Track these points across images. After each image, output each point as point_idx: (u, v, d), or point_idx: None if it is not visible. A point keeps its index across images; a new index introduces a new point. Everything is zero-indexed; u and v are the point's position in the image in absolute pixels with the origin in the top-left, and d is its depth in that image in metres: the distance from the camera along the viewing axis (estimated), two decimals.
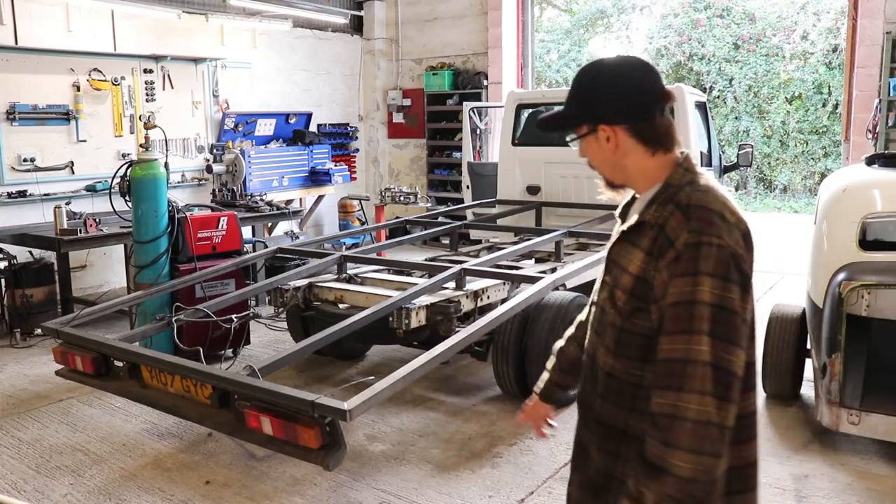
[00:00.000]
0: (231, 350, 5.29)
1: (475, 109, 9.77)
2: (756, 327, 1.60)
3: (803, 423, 4.39)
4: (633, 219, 1.66)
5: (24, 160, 7.38)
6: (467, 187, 8.91)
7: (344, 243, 9.18)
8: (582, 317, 2.02)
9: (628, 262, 1.61)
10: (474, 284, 4.73)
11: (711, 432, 1.43)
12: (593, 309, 1.79)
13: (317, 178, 9.61)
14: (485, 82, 10.55)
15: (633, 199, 1.75)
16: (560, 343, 2.07)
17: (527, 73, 10.90)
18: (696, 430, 1.43)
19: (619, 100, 1.62)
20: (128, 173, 5.50)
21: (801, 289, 4.98)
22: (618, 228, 1.74)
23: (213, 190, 8.77)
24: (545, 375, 2.09)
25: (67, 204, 6.66)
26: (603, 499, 1.71)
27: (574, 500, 1.83)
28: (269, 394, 3.01)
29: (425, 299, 4.45)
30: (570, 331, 2.06)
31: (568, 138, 1.74)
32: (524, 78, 10.84)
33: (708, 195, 1.56)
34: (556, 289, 4.59)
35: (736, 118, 16.20)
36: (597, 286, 1.80)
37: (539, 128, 1.76)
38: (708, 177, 1.65)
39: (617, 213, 1.83)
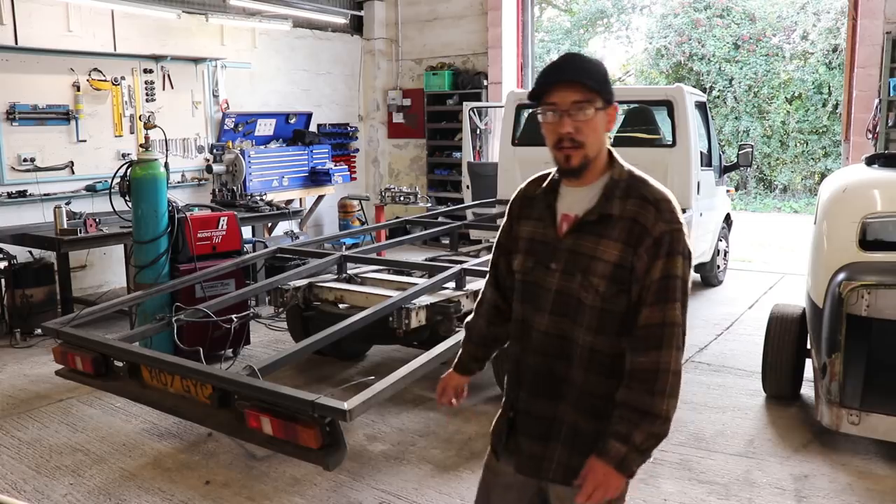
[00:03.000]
0: (231, 350, 5.29)
1: (475, 109, 9.78)
2: None
3: (803, 423, 4.39)
4: (573, 208, 1.89)
5: (24, 160, 7.37)
6: (467, 187, 8.91)
7: (344, 243, 9.18)
8: (483, 295, 2.22)
9: (601, 252, 1.82)
10: (474, 284, 4.73)
11: (679, 379, 1.80)
12: (540, 292, 1.93)
13: (317, 178, 9.61)
14: (485, 82, 10.55)
15: (549, 192, 1.95)
16: (469, 320, 2.29)
17: (527, 73, 10.90)
18: (674, 380, 1.78)
19: (609, 82, 1.87)
20: (128, 173, 5.50)
21: (801, 289, 4.98)
22: (539, 222, 1.95)
23: (213, 190, 8.77)
24: (461, 350, 2.31)
25: (67, 204, 6.66)
26: (552, 448, 1.93)
27: (523, 455, 1.98)
28: (269, 394, 3.01)
29: (425, 299, 4.45)
30: (476, 310, 2.26)
31: (536, 110, 1.90)
32: (524, 78, 10.84)
33: (660, 188, 1.86)
34: None
35: (736, 118, 16.21)
36: (520, 264, 1.97)
37: (543, 80, 1.83)
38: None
39: (511, 208, 2.06)
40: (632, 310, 1.81)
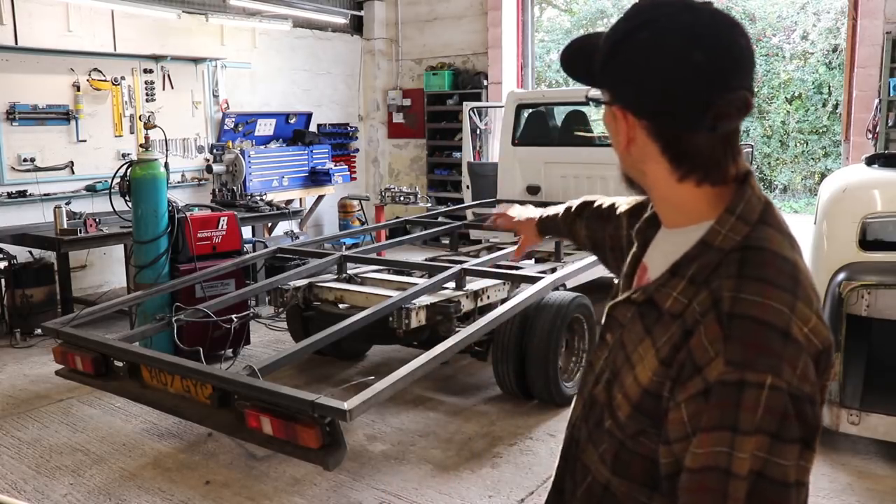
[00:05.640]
0: (231, 350, 5.29)
1: (475, 109, 9.78)
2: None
3: None
4: (653, 265, 1.16)
5: (24, 160, 7.37)
6: (467, 187, 8.91)
7: (344, 243, 9.18)
8: (596, 200, 1.66)
9: (637, 359, 1.08)
10: (474, 284, 4.73)
11: None
12: (588, 366, 1.27)
13: (317, 178, 9.61)
14: (485, 82, 10.55)
15: (652, 222, 1.23)
16: (578, 203, 1.72)
17: (527, 73, 10.90)
18: None
19: (651, 81, 1.02)
20: (128, 173, 5.50)
21: None
22: (630, 256, 1.25)
23: (213, 190, 8.76)
24: (557, 210, 1.81)
25: (67, 204, 6.65)
26: None
27: None
28: (269, 394, 3.01)
29: (425, 299, 4.45)
30: (586, 204, 1.69)
31: (591, 93, 1.17)
32: (524, 78, 10.84)
33: (768, 291, 0.97)
34: (556, 289, 4.59)
35: None
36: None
37: (563, 61, 1.18)
38: (776, 230, 1.05)
39: (632, 222, 1.35)
40: (669, 476, 1.03)
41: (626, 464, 1.12)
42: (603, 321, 1.23)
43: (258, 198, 8.25)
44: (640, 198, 1.43)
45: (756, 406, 0.92)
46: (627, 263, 1.25)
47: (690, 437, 0.96)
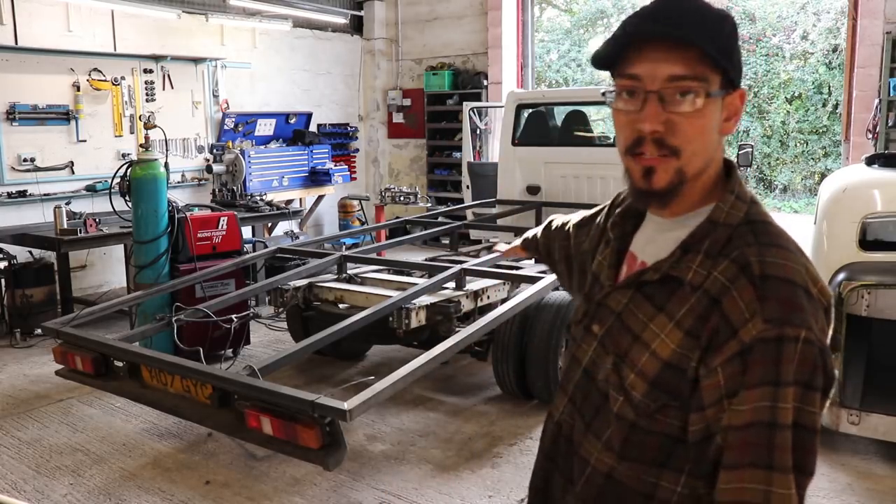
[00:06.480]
0: (231, 350, 5.29)
1: (475, 109, 9.78)
2: None
3: None
4: (646, 252, 1.21)
5: (24, 160, 7.37)
6: (467, 187, 8.91)
7: (344, 243, 9.18)
8: (557, 222, 1.73)
9: (651, 334, 1.12)
10: (474, 284, 4.73)
11: None
12: (572, 361, 1.30)
13: (317, 178, 9.61)
14: (485, 82, 10.56)
15: (628, 215, 1.30)
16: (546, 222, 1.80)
17: (527, 73, 10.90)
18: None
19: (737, 49, 1.14)
20: (128, 173, 5.50)
21: None
22: (604, 254, 1.31)
23: (213, 190, 8.77)
24: (537, 232, 1.86)
25: (67, 204, 6.66)
26: None
27: None
28: (269, 394, 3.01)
29: (425, 299, 4.45)
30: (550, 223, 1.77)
31: (607, 89, 1.16)
32: (524, 78, 10.85)
33: (787, 254, 1.08)
34: (556, 289, 4.59)
35: None
36: (577, 309, 1.34)
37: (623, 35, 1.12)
38: (764, 208, 1.17)
39: (600, 216, 1.42)
40: (691, 439, 1.09)
41: (638, 445, 1.14)
42: (584, 314, 1.28)
43: (258, 198, 8.25)
44: (585, 213, 1.58)
45: (793, 358, 1.01)
46: (606, 256, 1.30)
47: (723, 400, 1.03)
